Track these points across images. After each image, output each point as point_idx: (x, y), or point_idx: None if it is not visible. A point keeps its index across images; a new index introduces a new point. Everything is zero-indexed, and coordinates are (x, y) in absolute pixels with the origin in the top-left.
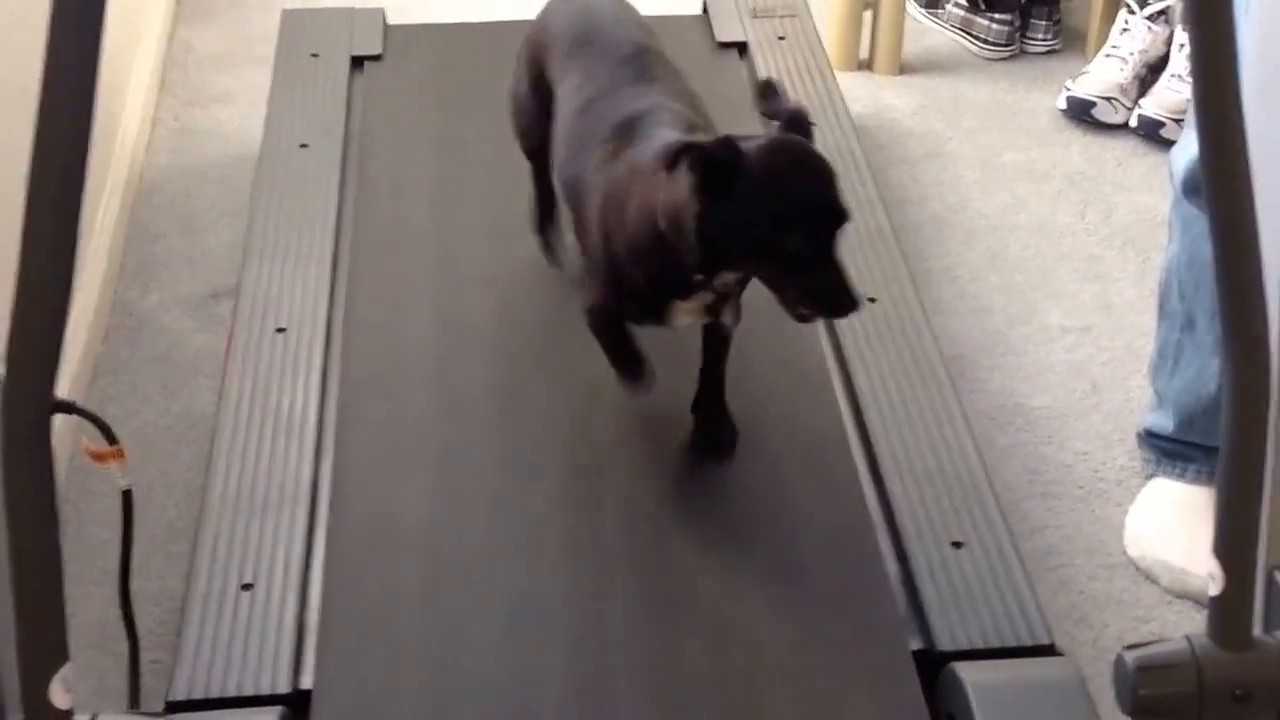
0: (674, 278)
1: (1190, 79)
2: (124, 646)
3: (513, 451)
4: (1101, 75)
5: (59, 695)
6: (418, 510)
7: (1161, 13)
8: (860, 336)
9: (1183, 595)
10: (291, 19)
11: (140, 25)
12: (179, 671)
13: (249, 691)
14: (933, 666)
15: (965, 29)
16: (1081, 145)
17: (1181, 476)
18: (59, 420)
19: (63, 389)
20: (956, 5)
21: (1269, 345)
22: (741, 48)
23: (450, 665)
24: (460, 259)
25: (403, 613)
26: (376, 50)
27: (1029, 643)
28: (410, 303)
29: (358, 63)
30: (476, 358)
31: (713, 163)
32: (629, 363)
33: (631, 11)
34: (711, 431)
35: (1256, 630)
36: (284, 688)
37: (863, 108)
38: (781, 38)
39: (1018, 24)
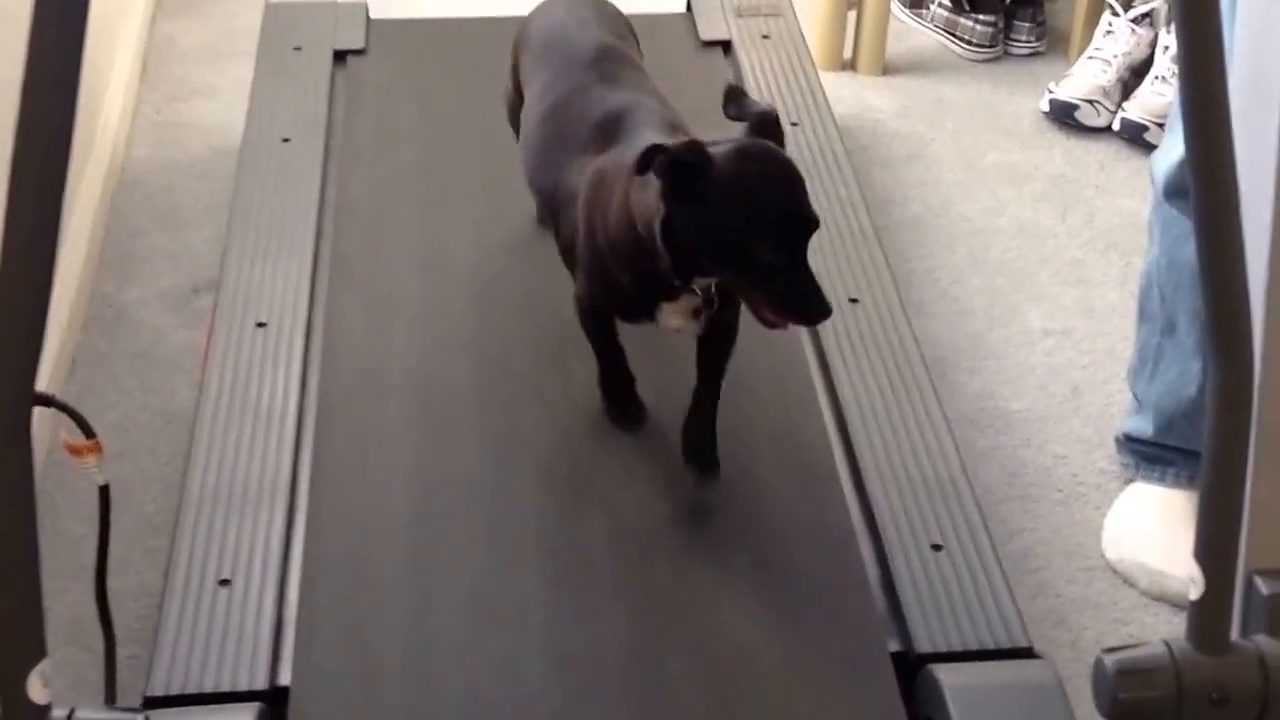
0: (655, 280)
1: (1177, 81)
2: (101, 642)
3: (494, 450)
4: (1084, 78)
5: (36, 690)
6: (397, 507)
7: (1145, 15)
8: (842, 338)
9: (1160, 598)
10: (274, 12)
11: (122, 18)
12: (156, 667)
13: (226, 688)
14: (910, 668)
15: (949, 30)
16: (1064, 148)
17: (1161, 480)
18: (36, 413)
19: (41, 382)
20: (940, 6)
21: (1252, 349)
22: (725, 46)
23: (428, 664)
24: (442, 254)
25: (381, 609)
26: (359, 45)
27: (1007, 645)
28: (391, 298)
29: (340, 57)
30: (458, 354)
31: (679, 166)
32: (610, 364)
33: (608, 12)
34: (695, 456)
35: (1234, 635)
36: (261, 684)
37: (846, 108)
38: (766, 37)
39: (1001, 25)
